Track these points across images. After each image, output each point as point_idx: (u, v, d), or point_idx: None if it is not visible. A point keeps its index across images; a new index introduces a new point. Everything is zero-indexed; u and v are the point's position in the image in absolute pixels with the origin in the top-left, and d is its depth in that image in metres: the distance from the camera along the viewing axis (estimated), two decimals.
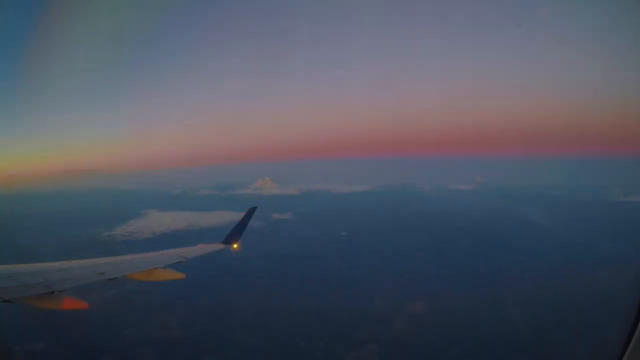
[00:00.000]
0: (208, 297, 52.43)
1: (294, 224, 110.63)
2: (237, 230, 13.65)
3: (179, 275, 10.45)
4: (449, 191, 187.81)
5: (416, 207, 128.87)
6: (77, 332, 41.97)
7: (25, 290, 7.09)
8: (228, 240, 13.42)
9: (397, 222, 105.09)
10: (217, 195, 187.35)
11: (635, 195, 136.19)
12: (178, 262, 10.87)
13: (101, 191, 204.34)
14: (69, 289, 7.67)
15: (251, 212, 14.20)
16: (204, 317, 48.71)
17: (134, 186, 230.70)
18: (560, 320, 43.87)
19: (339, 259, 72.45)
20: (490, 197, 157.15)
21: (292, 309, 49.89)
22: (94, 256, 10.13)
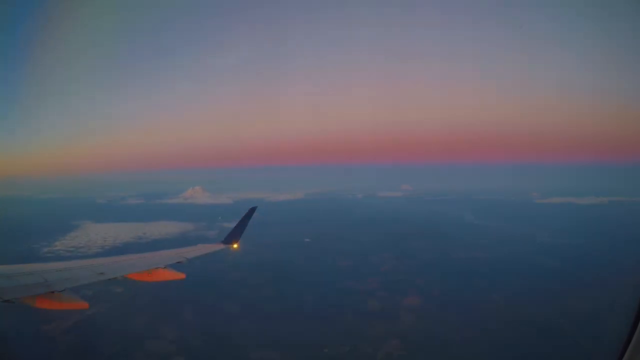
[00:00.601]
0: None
1: (253, 232, 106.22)
2: (237, 230, 13.66)
3: (180, 275, 10.37)
4: (380, 198, 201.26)
5: (360, 213, 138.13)
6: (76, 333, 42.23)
7: (26, 290, 7.02)
8: (228, 240, 13.41)
9: (351, 228, 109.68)
10: (145, 204, 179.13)
11: (550, 198, 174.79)
12: (178, 262, 10.84)
13: (16, 200, 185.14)
14: (69, 289, 7.69)
15: (251, 212, 14.23)
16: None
17: (51, 194, 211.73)
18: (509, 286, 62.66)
19: (315, 263, 75.66)
20: (424, 202, 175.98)
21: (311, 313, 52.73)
22: None
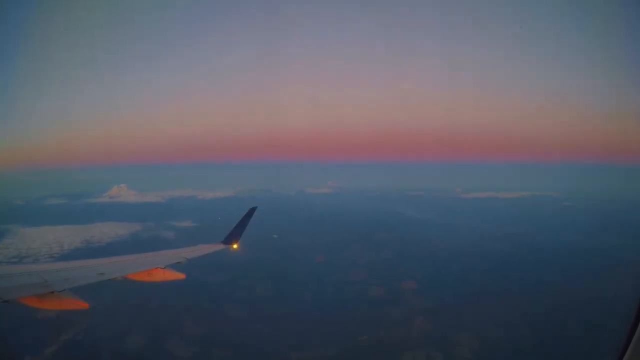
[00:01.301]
0: None
1: (207, 231, 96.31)
2: (237, 231, 13.60)
3: (180, 275, 10.31)
4: (310, 195, 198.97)
5: (304, 210, 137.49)
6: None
7: (25, 291, 6.99)
8: (228, 240, 13.37)
9: (305, 225, 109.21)
10: (70, 204, 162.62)
11: (472, 193, 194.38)
12: (178, 263, 10.84)
13: None
14: (68, 289, 7.70)
15: (251, 212, 14.20)
16: None
17: None
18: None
19: (294, 260, 75.93)
20: (358, 198, 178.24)
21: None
22: None
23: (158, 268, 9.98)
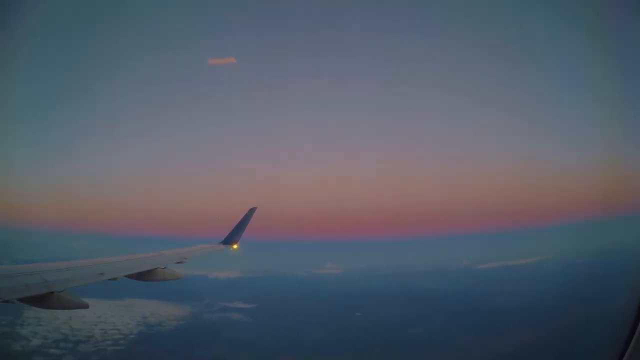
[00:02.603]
0: None
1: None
2: (237, 231, 13.73)
3: (179, 275, 10.44)
4: (322, 276, 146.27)
5: (335, 290, 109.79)
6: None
7: (25, 291, 6.99)
8: (228, 241, 13.47)
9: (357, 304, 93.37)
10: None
11: (482, 264, 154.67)
12: (178, 263, 10.87)
13: None
14: (68, 289, 7.65)
15: (251, 212, 14.27)
16: None
17: None
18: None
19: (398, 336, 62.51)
20: (379, 277, 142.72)
21: None
22: None
23: (158, 268, 10.01)
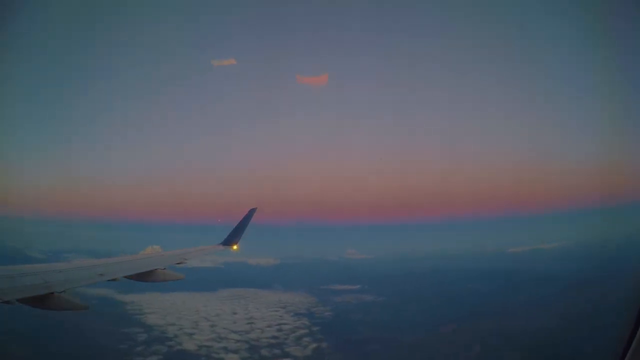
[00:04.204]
0: None
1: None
2: (237, 232, 13.69)
3: (179, 275, 10.42)
4: (360, 260, 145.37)
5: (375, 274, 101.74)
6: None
7: (25, 291, 7.00)
8: (228, 242, 13.44)
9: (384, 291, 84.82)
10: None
11: (513, 248, 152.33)
12: (178, 263, 10.86)
13: None
14: (68, 290, 7.68)
15: (251, 213, 14.23)
16: None
17: None
18: None
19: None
20: (421, 263, 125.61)
21: None
22: None
23: (158, 269, 9.99)
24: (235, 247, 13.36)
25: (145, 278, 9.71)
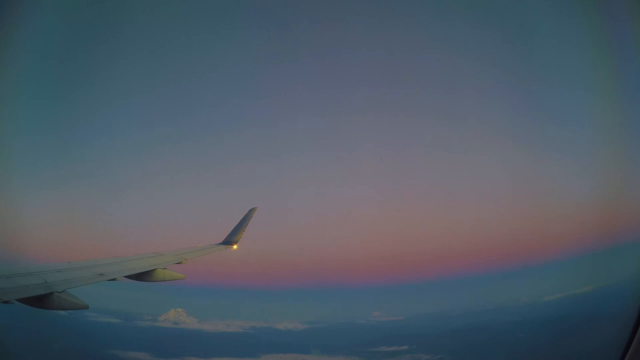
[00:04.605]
0: None
1: None
2: (237, 231, 13.73)
3: (179, 275, 10.42)
4: (382, 322, 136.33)
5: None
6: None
7: (25, 291, 6.96)
8: (228, 241, 13.47)
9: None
10: (129, 326, 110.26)
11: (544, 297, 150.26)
12: (178, 263, 10.86)
13: None
14: (68, 289, 7.62)
15: (251, 213, 14.29)
16: None
17: None
18: None
19: None
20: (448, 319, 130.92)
21: None
22: None
23: (158, 269, 9.99)
24: (235, 246, 13.41)
25: (145, 278, 9.71)
